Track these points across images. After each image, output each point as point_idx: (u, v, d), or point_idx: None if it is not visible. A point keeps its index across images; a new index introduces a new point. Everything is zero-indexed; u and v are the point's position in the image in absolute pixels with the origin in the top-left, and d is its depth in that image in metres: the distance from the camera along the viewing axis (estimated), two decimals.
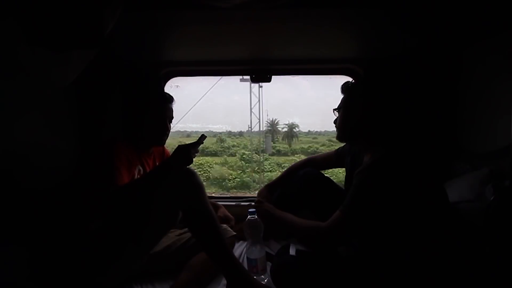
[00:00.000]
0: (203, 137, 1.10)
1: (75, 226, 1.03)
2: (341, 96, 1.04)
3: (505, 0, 0.89)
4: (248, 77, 1.58)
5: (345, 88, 1.03)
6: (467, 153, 1.29)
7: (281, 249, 1.03)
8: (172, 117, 1.21)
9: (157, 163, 1.25)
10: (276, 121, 11.13)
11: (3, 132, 0.89)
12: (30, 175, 1.01)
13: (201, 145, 1.10)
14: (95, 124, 1.37)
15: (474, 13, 0.98)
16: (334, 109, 1.05)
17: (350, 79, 1.50)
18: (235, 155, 9.34)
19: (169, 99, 1.20)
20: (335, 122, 1.05)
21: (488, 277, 0.84)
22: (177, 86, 1.62)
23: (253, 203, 1.17)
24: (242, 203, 1.54)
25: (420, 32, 1.15)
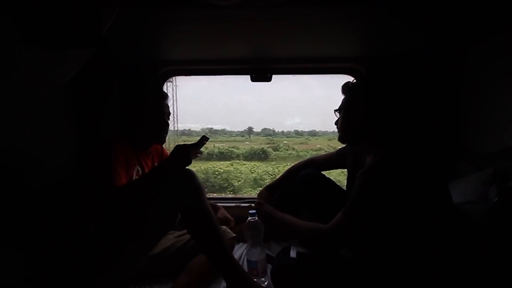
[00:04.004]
0: (204, 138, 1.09)
1: (72, 227, 1.02)
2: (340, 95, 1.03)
3: None
4: None
5: (345, 88, 1.01)
6: (471, 153, 1.28)
7: (282, 251, 1.02)
8: (170, 113, 1.21)
9: (156, 164, 1.24)
10: None
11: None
12: (26, 175, 1.00)
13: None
14: (92, 124, 1.36)
15: (478, 11, 0.97)
16: (335, 110, 1.04)
17: (351, 78, 1.49)
18: None
19: (164, 95, 1.20)
20: (336, 123, 1.04)
21: (492, 279, 0.83)
22: (176, 85, 1.61)
23: (253, 205, 1.16)
24: (242, 205, 1.53)
25: (423, 31, 1.14)
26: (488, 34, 1.15)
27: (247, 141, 5.30)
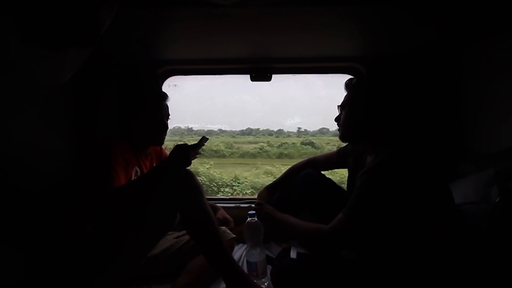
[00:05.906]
0: (204, 139, 1.09)
1: (71, 228, 1.01)
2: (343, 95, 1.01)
3: None
4: None
5: (349, 85, 1.00)
6: (472, 153, 1.27)
7: (282, 252, 1.02)
8: (169, 114, 1.20)
9: (155, 164, 1.24)
10: None
11: None
12: (25, 176, 0.99)
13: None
14: (91, 124, 1.35)
15: (477, 10, 0.96)
16: (338, 106, 1.01)
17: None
18: None
19: (163, 96, 1.19)
20: (336, 120, 1.02)
21: (493, 280, 0.82)
22: (175, 85, 1.61)
23: (252, 205, 1.15)
24: (242, 205, 1.52)
25: (423, 30, 1.13)
26: (488, 33, 1.14)
27: None
